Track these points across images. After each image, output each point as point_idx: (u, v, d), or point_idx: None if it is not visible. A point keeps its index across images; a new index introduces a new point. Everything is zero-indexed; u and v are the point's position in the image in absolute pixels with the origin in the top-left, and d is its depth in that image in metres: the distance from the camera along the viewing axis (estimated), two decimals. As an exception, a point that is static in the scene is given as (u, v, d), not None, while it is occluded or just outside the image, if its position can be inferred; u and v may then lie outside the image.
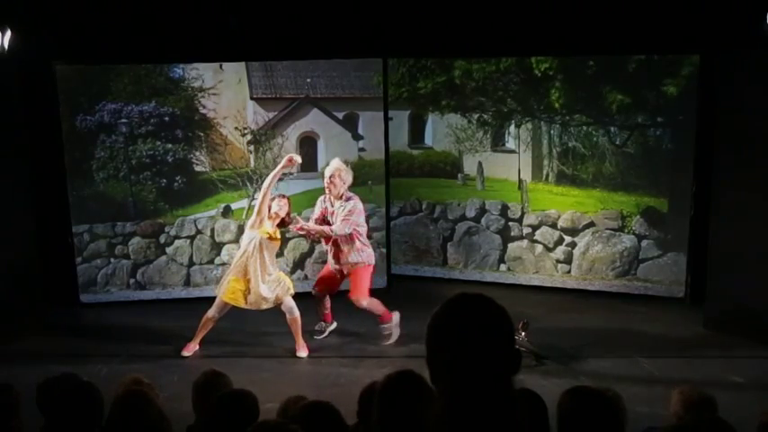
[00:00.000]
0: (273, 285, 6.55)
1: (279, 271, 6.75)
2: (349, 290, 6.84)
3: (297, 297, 6.68)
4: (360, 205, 6.74)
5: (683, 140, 7.83)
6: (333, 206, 6.73)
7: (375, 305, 6.84)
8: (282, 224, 6.63)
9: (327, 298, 7.04)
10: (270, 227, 6.53)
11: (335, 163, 6.74)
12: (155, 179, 8.20)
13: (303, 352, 6.67)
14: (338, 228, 6.60)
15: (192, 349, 6.63)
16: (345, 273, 6.85)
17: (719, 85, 7.06)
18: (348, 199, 6.69)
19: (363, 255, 6.78)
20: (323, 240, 6.99)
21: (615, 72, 7.94)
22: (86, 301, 8.18)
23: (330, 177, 6.64)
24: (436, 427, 1.79)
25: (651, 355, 6.57)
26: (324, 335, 7.12)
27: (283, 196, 6.73)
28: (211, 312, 6.59)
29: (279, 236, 6.65)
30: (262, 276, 6.47)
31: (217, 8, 7.66)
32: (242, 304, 6.54)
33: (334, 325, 7.19)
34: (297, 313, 6.61)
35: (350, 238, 6.68)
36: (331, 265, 6.91)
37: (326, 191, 6.73)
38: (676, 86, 7.75)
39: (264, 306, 6.58)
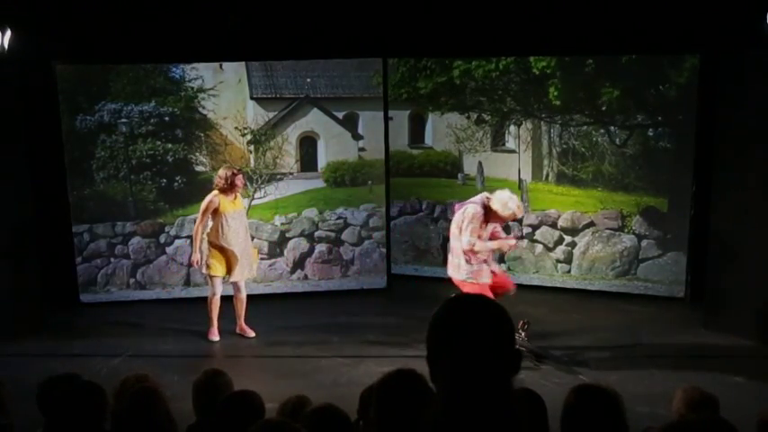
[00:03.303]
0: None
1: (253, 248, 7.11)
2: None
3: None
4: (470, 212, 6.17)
5: (683, 140, 7.83)
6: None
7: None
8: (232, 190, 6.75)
9: None
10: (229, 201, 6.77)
11: (500, 197, 6.15)
12: (155, 179, 8.20)
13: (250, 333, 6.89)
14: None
15: (215, 333, 6.84)
16: None
17: (719, 84, 7.06)
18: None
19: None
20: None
21: (615, 71, 7.94)
22: (86, 300, 8.18)
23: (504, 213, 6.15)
24: (436, 426, 1.79)
25: (651, 355, 6.57)
26: None
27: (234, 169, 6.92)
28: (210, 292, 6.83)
29: (242, 202, 6.99)
30: (242, 246, 6.79)
31: (217, 8, 7.66)
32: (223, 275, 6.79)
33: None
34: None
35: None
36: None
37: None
38: (676, 86, 7.76)
39: (248, 276, 6.89)
